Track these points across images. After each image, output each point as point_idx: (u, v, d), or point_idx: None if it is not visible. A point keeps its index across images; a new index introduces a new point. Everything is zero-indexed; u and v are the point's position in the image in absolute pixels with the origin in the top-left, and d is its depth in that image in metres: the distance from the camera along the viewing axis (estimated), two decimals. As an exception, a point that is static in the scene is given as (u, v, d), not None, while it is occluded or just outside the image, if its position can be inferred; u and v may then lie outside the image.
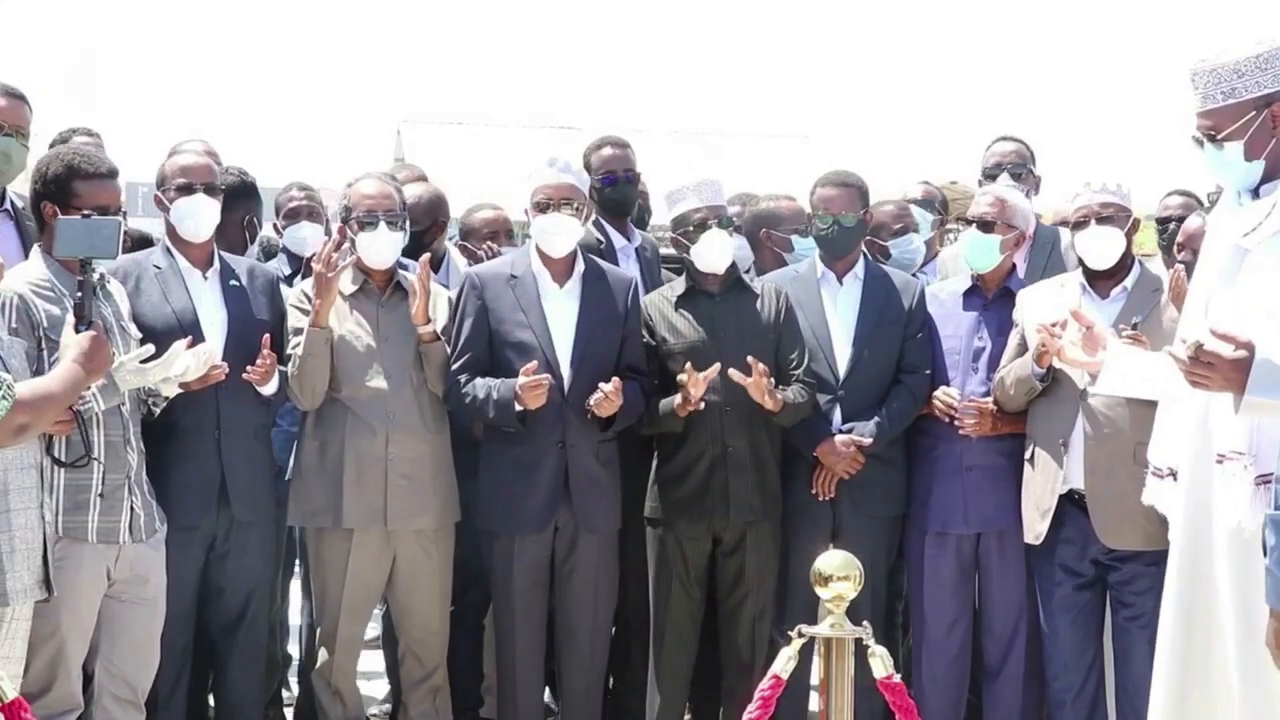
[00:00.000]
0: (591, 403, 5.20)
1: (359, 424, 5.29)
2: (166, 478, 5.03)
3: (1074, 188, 5.33)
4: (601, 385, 5.17)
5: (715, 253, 5.44)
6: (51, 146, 6.13)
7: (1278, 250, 3.78)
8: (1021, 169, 6.48)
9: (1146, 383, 4.17)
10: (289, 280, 5.87)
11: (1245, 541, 3.75)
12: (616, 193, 6.11)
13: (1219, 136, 3.93)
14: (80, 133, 6.13)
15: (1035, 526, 5.23)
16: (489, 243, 6.18)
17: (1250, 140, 3.91)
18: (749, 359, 5.19)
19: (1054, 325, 4.76)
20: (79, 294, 3.88)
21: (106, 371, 4.09)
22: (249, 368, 5.11)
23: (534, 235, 5.41)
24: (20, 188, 5.32)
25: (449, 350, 5.36)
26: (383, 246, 5.39)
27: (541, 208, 5.35)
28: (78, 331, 3.75)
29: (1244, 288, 3.79)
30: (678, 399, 5.26)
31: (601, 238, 5.97)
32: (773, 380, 5.23)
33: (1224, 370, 3.55)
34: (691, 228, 5.43)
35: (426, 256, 5.49)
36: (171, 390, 4.83)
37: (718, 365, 5.20)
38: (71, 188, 4.72)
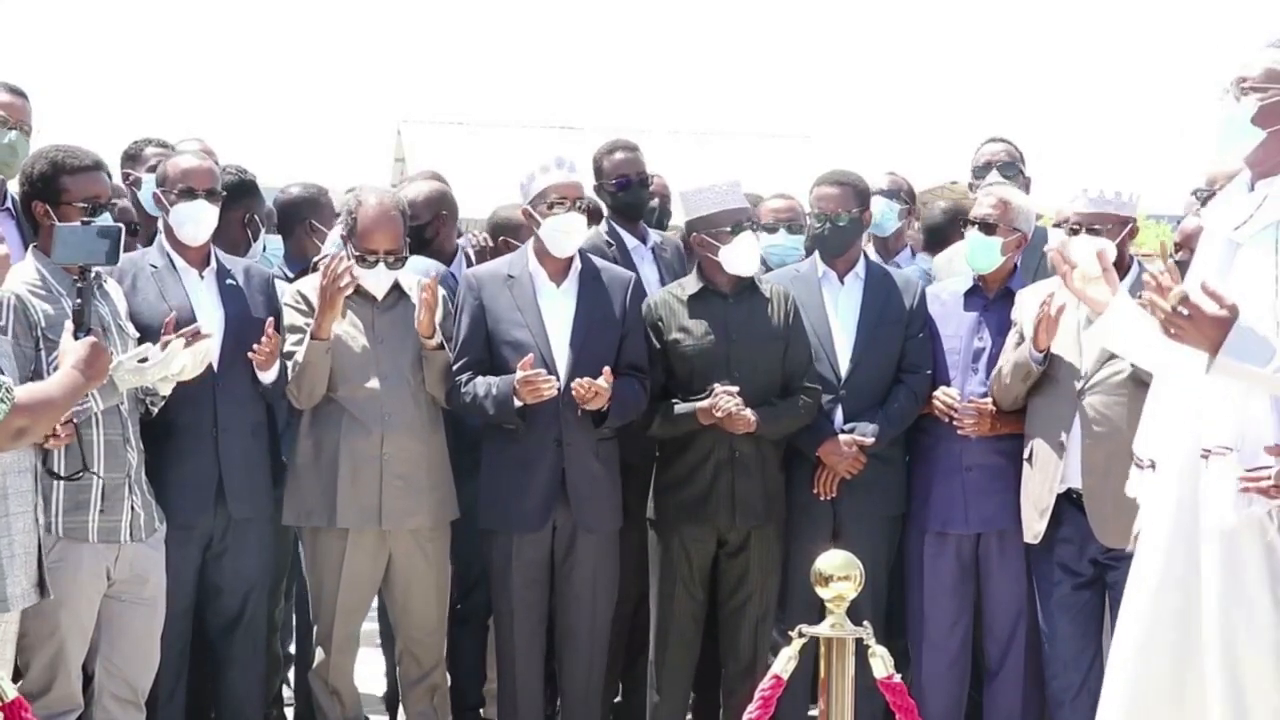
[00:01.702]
0: (573, 394, 5.18)
1: (354, 424, 5.28)
2: (164, 477, 5.03)
3: (1072, 190, 5.31)
4: (583, 380, 5.16)
5: (748, 255, 5.42)
6: (125, 158, 6.12)
7: (1266, 244, 3.77)
8: (1010, 169, 6.46)
9: (1146, 349, 4.05)
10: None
11: (1230, 535, 3.74)
12: (630, 196, 6.13)
13: (1248, 87, 3.85)
14: (155, 144, 6.12)
15: (1033, 526, 5.23)
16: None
17: (1267, 105, 3.86)
18: (716, 386, 5.20)
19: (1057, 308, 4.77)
20: (78, 300, 3.86)
21: (106, 377, 4.09)
22: (255, 346, 5.09)
23: (545, 235, 5.35)
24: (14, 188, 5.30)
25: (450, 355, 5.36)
26: (377, 283, 5.35)
27: (553, 207, 5.33)
28: (76, 338, 3.74)
29: (1234, 281, 3.78)
30: (705, 403, 5.25)
31: (611, 240, 5.97)
32: (740, 398, 5.22)
33: (1202, 325, 3.52)
34: (728, 229, 5.37)
35: (435, 275, 5.47)
36: (168, 388, 4.82)
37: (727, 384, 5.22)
38: (60, 183, 4.73)
